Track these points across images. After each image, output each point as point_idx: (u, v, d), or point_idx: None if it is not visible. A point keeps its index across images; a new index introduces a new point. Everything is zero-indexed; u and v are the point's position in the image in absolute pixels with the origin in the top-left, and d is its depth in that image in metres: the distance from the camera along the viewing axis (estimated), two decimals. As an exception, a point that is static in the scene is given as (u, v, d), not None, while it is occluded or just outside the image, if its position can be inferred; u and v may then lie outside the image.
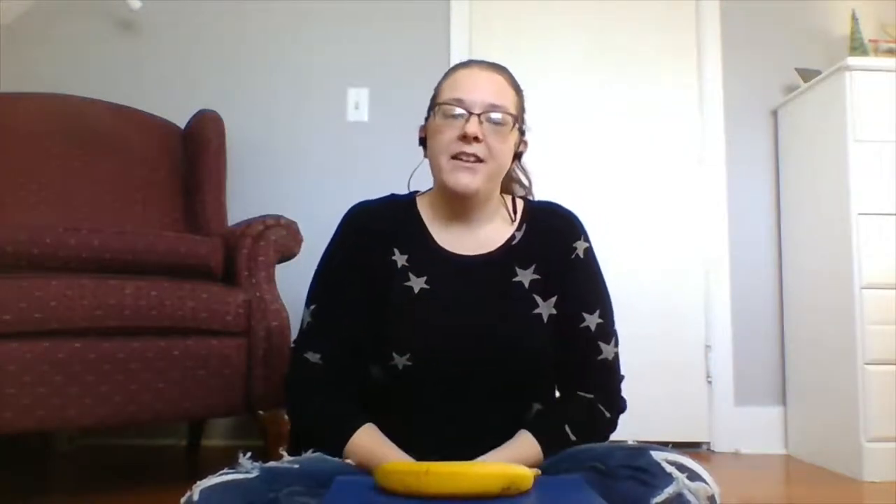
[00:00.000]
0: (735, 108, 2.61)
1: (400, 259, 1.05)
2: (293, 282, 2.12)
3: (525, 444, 0.95)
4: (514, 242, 1.08)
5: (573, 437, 0.97)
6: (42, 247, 1.59)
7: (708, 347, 2.52)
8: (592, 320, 1.05)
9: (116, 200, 2.10)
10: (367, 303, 1.03)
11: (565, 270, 1.07)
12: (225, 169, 2.28)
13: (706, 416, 2.50)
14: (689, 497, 0.79)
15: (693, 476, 0.81)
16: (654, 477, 0.80)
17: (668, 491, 0.79)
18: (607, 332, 1.07)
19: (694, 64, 2.63)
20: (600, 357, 1.04)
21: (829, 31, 2.66)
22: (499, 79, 1.06)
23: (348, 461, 0.94)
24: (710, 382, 2.51)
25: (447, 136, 1.00)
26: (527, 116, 1.12)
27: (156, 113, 2.34)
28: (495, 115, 1.00)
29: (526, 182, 1.19)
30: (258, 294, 1.78)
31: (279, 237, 1.86)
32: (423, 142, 1.09)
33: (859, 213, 2.09)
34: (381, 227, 1.07)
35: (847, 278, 2.10)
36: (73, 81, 2.42)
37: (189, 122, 2.34)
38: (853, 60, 2.17)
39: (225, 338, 1.71)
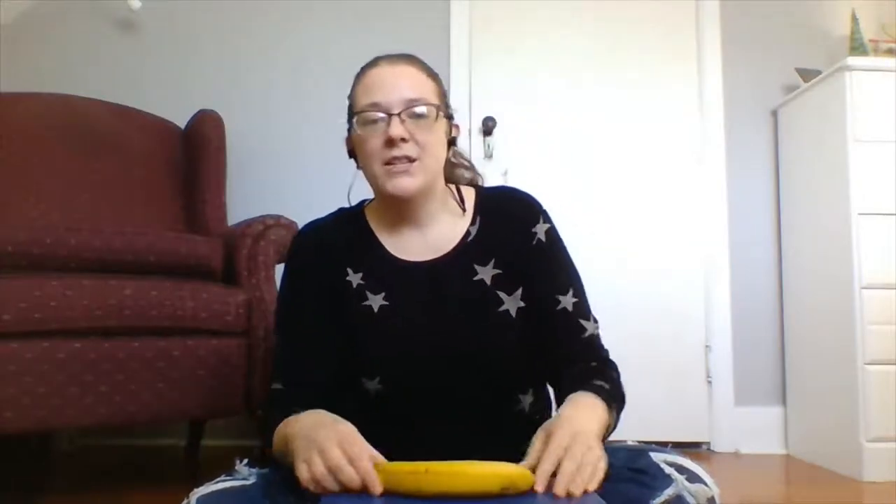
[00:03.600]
0: (735, 108, 2.61)
1: (354, 278, 1.01)
2: (293, 282, 2.13)
3: (584, 401, 0.88)
4: (469, 239, 1.03)
5: (607, 386, 0.92)
6: (42, 247, 1.59)
7: (708, 347, 2.52)
8: (568, 301, 1.01)
9: (116, 200, 2.10)
10: (331, 328, 0.99)
11: (528, 258, 1.02)
12: (225, 169, 2.28)
13: (706, 416, 2.50)
14: (689, 499, 0.79)
15: (692, 477, 0.81)
16: (653, 479, 0.80)
17: (668, 493, 0.79)
18: (585, 310, 1.03)
19: (694, 64, 2.63)
20: (585, 335, 1.01)
21: (829, 31, 2.66)
22: (411, 70, 1.00)
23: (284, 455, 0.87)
24: (710, 382, 2.51)
25: (373, 144, 0.96)
26: (452, 100, 1.08)
27: (156, 113, 2.34)
28: (417, 110, 0.95)
29: (468, 166, 1.14)
30: (258, 294, 1.78)
31: (279, 237, 1.86)
32: (352, 154, 1.06)
33: (859, 213, 2.09)
34: (330, 246, 1.03)
35: (847, 278, 2.10)
36: (73, 81, 2.42)
37: (189, 122, 2.34)
38: (853, 60, 2.17)
39: (225, 338, 1.71)
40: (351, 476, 0.73)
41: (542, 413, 1.08)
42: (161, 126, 2.32)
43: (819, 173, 2.29)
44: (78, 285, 1.53)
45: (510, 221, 1.05)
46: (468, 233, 1.04)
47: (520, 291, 1.01)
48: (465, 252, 1.03)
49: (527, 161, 2.55)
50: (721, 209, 2.56)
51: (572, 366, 0.99)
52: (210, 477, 0.86)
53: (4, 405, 1.42)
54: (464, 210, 1.05)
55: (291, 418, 0.88)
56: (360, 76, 1.02)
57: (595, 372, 0.97)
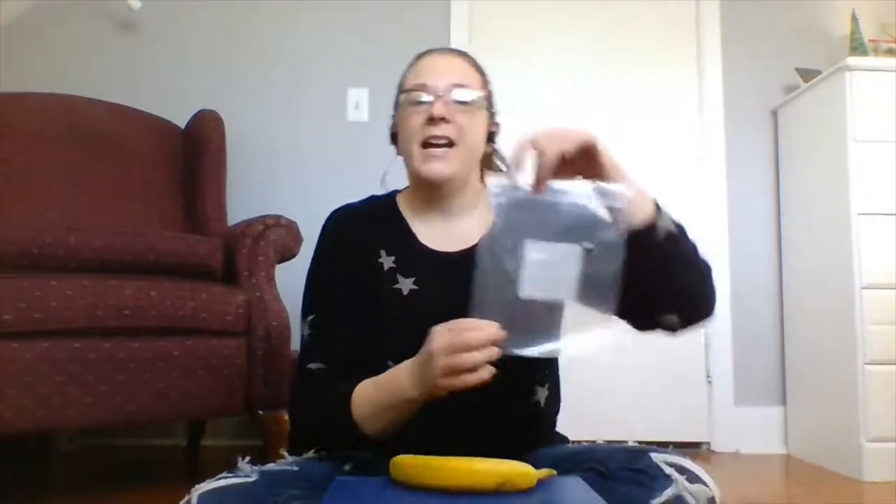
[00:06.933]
0: (735, 108, 2.61)
1: (387, 261, 1.02)
2: (293, 282, 2.12)
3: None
4: None
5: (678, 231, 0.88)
6: (42, 247, 1.59)
7: (708, 347, 2.53)
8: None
9: (116, 200, 2.10)
10: (361, 308, 1.01)
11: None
12: (225, 169, 2.28)
13: (706, 416, 2.50)
14: (689, 499, 0.79)
15: (693, 478, 0.81)
16: (653, 479, 0.80)
17: (668, 493, 0.79)
18: None
19: (694, 64, 2.63)
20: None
21: (829, 31, 2.66)
22: (461, 62, 1.04)
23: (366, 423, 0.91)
24: (710, 382, 2.51)
25: (414, 123, 0.99)
26: (498, 101, 1.09)
27: (156, 113, 2.34)
28: (461, 94, 0.98)
29: (506, 165, 1.13)
30: (258, 294, 1.78)
31: (279, 237, 1.87)
32: (394, 138, 1.08)
33: (859, 213, 2.09)
34: (364, 229, 1.05)
35: (847, 278, 2.10)
36: (73, 81, 2.42)
37: (189, 122, 2.34)
38: (853, 60, 2.17)
39: (225, 338, 1.71)
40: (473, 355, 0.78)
41: (555, 408, 1.09)
42: (161, 126, 2.33)
43: (819, 173, 2.30)
44: (78, 285, 1.53)
45: None
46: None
47: None
48: None
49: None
50: (721, 209, 2.56)
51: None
52: (209, 477, 0.86)
53: (4, 405, 1.42)
54: None
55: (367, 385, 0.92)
56: (411, 63, 1.06)
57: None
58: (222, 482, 0.82)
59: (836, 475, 2.10)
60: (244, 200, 2.37)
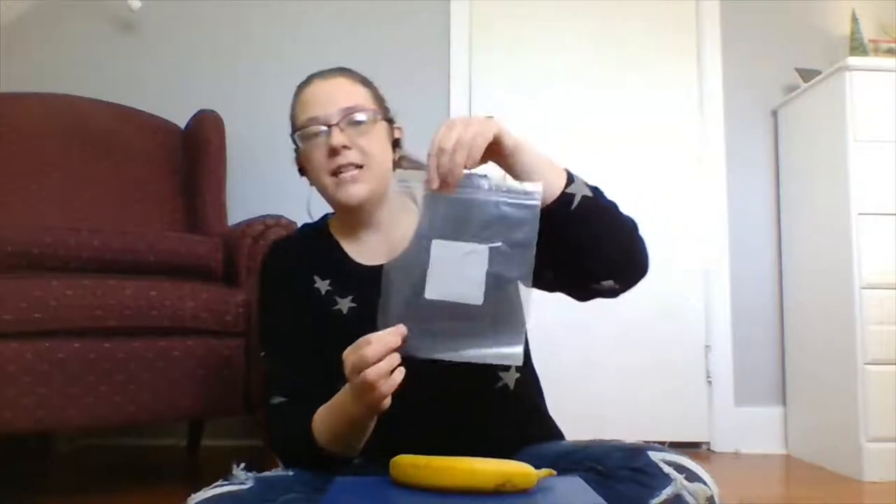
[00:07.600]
0: (735, 108, 2.61)
1: (322, 285, 1.04)
2: (293, 282, 2.13)
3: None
4: None
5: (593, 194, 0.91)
6: (42, 247, 1.59)
7: (708, 347, 2.52)
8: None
9: (116, 200, 2.11)
10: (311, 336, 1.02)
11: None
12: (225, 169, 2.28)
13: (706, 416, 2.50)
14: (688, 498, 0.79)
15: (692, 476, 0.81)
16: (652, 478, 0.80)
17: (667, 492, 0.79)
18: None
19: (694, 64, 2.63)
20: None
21: (829, 31, 2.66)
22: (342, 81, 1.04)
23: (326, 447, 0.91)
24: (710, 382, 2.51)
25: (318, 157, 1.00)
26: (390, 104, 1.11)
27: (156, 113, 2.34)
28: (355, 117, 0.99)
29: (418, 165, 1.13)
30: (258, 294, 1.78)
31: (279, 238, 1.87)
32: (302, 171, 1.09)
33: (859, 213, 2.09)
34: (297, 259, 1.07)
35: (847, 278, 2.10)
36: (73, 81, 2.42)
37: (189, 122, 2.34)
38: (853, 60, 2.17)
39: (225, 338, 1.71)
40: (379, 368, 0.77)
41: (531, 392, 1.08)
42: (161, 126, 2.33)
43: (819, 173, 2.29)
44: (78, 285, 1.53)
45: None
46: None
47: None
48: None
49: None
50: (721, 209, 2.56)
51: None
52: (209, 476, 0.86)
53: (4, 405, 1.42)
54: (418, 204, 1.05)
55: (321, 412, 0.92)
56: (296, 96, 1.06)
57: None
58: (217, 490, 0.83)
59: (836, 475, 2.10)
60: (244, 200, 2.37)
